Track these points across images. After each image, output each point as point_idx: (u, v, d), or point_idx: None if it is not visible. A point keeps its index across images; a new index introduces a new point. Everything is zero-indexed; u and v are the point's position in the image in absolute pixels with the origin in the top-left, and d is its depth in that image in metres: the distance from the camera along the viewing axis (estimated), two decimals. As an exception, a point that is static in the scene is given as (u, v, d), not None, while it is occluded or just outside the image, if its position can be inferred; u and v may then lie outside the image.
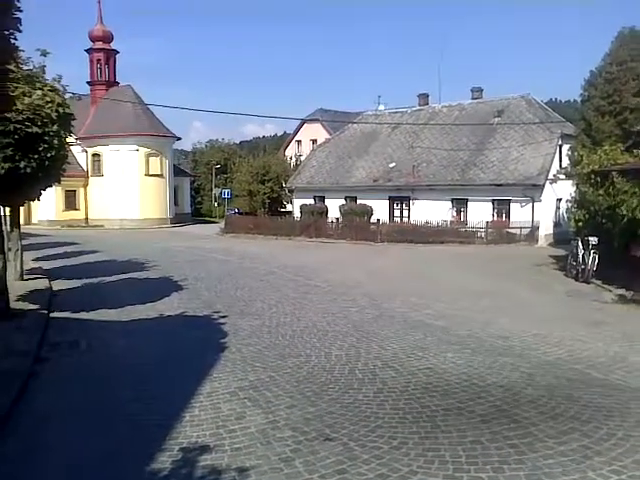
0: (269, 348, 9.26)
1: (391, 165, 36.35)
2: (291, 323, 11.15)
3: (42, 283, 15.87)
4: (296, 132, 64.41)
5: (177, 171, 55.38)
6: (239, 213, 46.22)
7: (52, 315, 11.85)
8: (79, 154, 48.11)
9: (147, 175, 48.43)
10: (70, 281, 16.61)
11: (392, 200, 35.58)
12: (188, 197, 58.86)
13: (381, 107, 45.19)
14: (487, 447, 5.41)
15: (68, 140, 12.22)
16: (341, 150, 40.70)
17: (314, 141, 55.65)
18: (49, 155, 10.62)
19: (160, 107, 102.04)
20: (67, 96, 11.87)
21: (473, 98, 39.09)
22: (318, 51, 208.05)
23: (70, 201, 48.31)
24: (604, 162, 19.22)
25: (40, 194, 12.85)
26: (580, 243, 16.91)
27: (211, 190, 68.04)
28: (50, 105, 10.62)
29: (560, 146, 30.80)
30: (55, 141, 10.74)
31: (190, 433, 5.87)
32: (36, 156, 10.44)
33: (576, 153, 24.16)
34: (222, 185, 63.91)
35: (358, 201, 35.97)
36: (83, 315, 11.95)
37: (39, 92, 10.67)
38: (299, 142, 63.15)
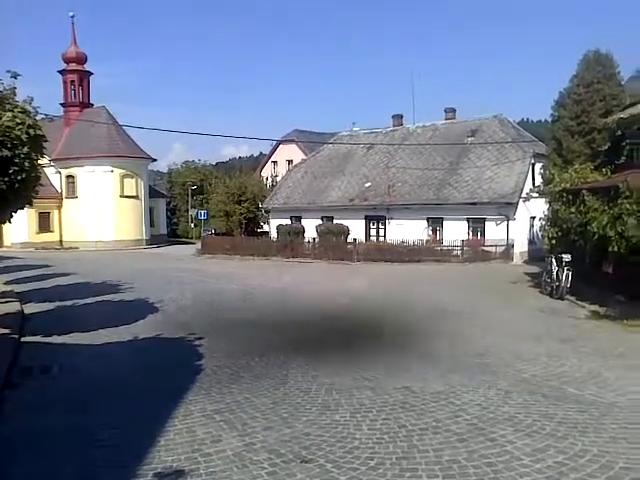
0: (245, 370, 9.17)
1: (367, 185, 36.59)
2: (268, 345, 11.07)
3: (13, 307, 15.54)
4: (272, 153, 64.63)
5: (153, 192, 55.05)
6: (215, 234, 46.03)
7: (23, 339, 11.60)
8: (53, 176, 47.60)
9: (122, 196, 48.02)
10: (43, 304, 16.29)
11: (368, 219, 35.76)
12: (164, 218, 58.48)
13: (356, 128, 45.60)
14: (464, 466, 5.40)
15: (40, 162, 12.07)
16: (317, 170, 40.88)
17: (290, 161, 55.90)
18: (20, 177, 10.45)
19: (136, 129, 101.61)
20: (39, 117, 11.70)
21: (446, 118, 39.66)
22: (294, 73, 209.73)
23: (44, 223, 47.65)
24: (575, 180, 19.61)
25: (11, 216, 12.64)
26: (554, 260, 17.15)
27: (187, 211, 67.73)
28: (20, 127, 10.48)
29: (533, 165, 31.34)
30: (26, 163, 10.58)
31: (165, 457, 5.76)
32: (6, 179, 10.28)
33: (548, 172, 24.65)
34: (198, 206, 63.71)
35: (334, 221, 36.08)
36: (55, 339, 11.71)
37: (9, 114, 10.52)
38: (275, 163, 63.34)
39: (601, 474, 5.19)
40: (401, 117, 41.98)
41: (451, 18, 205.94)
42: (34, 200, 12.50)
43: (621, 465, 5.37)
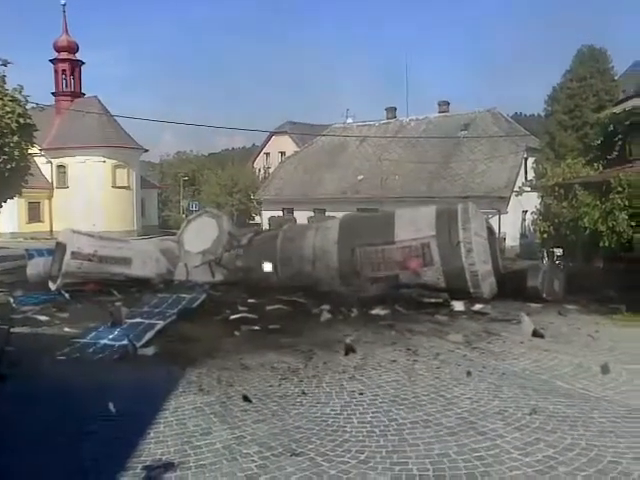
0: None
1: (359, 178, 36.54)
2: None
3: (2, 297, 15.44)
4: (264, 144, 64.46)
5: (144, 183, 54.75)
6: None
7: (13, 330, 11.50)
8: (43, 165, 47.24)
9: (114, 187, 47.80)
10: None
11: (361, 212, 35.71)
12: (155, 209, 58.24)
13: (349, 120, 45.50)
14: (454, 460, 5.41)
15: (31, 151, 11.99)
16: (309, 162, 40.78)
17: (282, 153, 55.76)
18: (9, 166, 10.40)
19: (128, 119, 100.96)
20: (29, 106, 11.62)
21: (440, 112, 39.63)
22: (286, 64, 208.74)
23: (34, 213, 47.35)
24: (567, 175, 19.69)
25: (0, 206, 12.55)
26: (545, 254, 17.24)
27: (179, 202, 67.50)
28: (10, 115, 10.41)
29: (525, 159, 31.38)
30: (15, 152, 10.52)
31: (154, 450, 5.75)
32: (-4, 167, 10.24)
33: (540, 166, 24.75)
34: (190, 197, 63.50)
35: (327, 213, 35.97)
36: (46, 330, 11.64)
37: (-1, 102, 10.46)
38: (267, 154, 63.18)
39: (589, 467, 5.22)
40: (394, 110, 41.90)
41: (447, 12, 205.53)
42: (24, 190, 12.44)
43: (609, 459, 5.41)
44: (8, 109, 10.35)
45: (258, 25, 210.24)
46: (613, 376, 8.16)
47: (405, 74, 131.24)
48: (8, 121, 10.23)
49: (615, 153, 19.19)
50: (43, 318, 12.66)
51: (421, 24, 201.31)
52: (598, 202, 14.45)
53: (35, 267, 17.39)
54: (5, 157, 10.22)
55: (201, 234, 17.28)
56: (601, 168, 19.46)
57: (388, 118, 41.67)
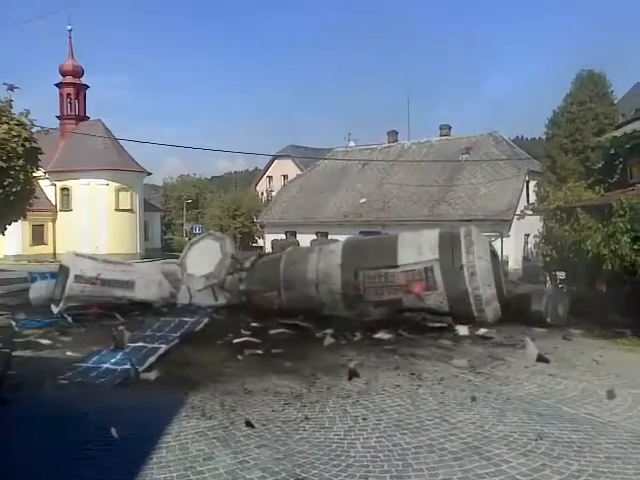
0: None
1: (361, 201, 36.64)
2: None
3: (5, 320, 15.42)
4: (267, 168, 64.85)
5: (147, 206, 54.99)
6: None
7: (15, 354, 11.49)
8: (47, 188, 47.51)
9: (117, 210, 48.02)
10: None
11: (363, 235, 35.70)
12: (158, 232, 58.42)
13: (351, 144, 45.77)
14: (459, 486, 5.36)
15: (36, 174, 12.09)
16: (312, 186, 40.94)
17: (285, 177, 56.02)
18: (14, 190, 10.48)
19: (132, 142, 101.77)
20: (35, 130, 11.73)
21: (441, 135, 39.87)
22: (289, 88, 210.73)
23: (38, 235, 47.53)
24: (569, 198, 19.73)
25: (5, 228, 12.62)
26: (548, 278, 17.21)
27: (182, 225, 67.68)
28: (16, 139, 10.53)
29: (527, 182, 31.45)
30: (21, 175, 10.61)
31: (157, 475, 5.70)
32: (1, 191, 10.29)
33: (542, 189, 24.81)
34: (193, 220, 63.70)
35: (329, 236, 35.96)
36: (49, 353, 11.61)
37: (5, 126, 10.58)
38: (270, 178, 63.51)
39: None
40: (396, 133, 42.16)
41: (448, 35, 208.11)
42: (28, 212, 12.51)
43: (617, 486, 5.35)
44: (14, 133, 10.46)
45: (258, 48, 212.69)
46: (619, 401, 8.10)
47: (407, 98, 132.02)
48: (14, 145, 10.33)
49: (616, 176, 19.25)
50: (45, 342, 12.64)
51: (422, 48, 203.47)
52: (600, 225, 14.44)
53: (38, 290, 17.39)
54: (11, 180, 10.30)
55: (204, 257, 17.30)
56: (602, 191, 19.51)
57: (390, 142, 41.92)
